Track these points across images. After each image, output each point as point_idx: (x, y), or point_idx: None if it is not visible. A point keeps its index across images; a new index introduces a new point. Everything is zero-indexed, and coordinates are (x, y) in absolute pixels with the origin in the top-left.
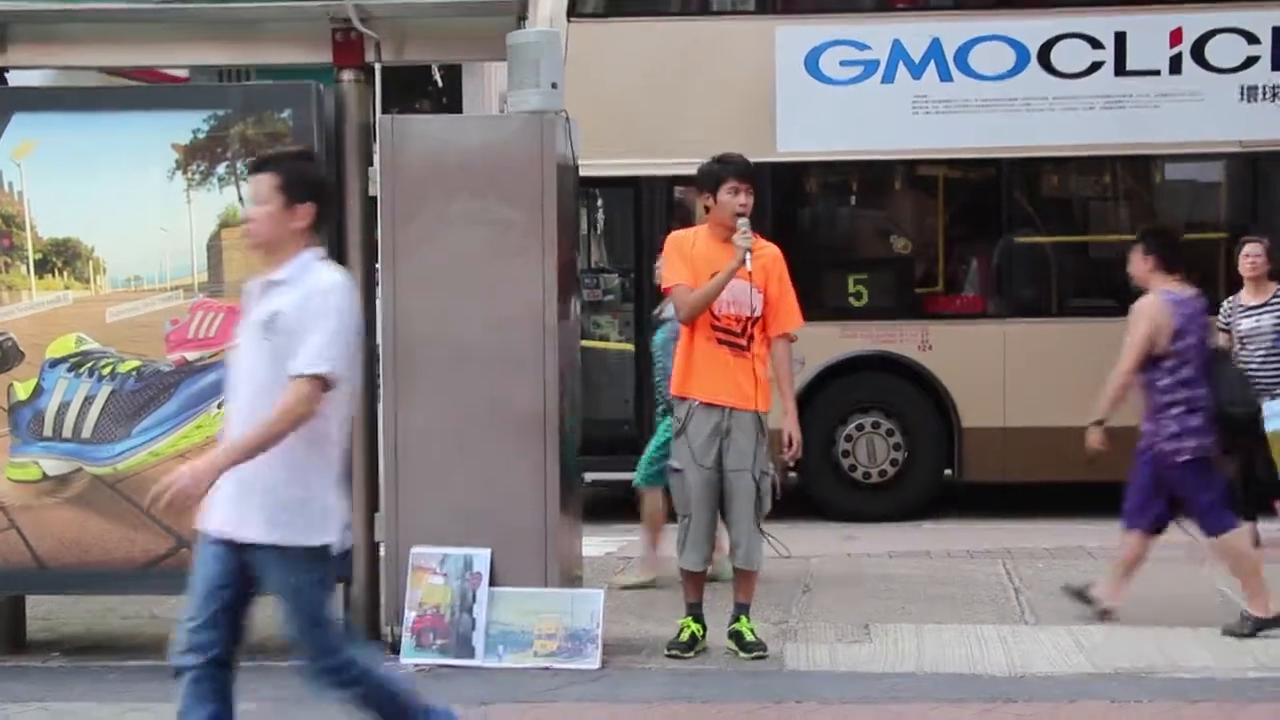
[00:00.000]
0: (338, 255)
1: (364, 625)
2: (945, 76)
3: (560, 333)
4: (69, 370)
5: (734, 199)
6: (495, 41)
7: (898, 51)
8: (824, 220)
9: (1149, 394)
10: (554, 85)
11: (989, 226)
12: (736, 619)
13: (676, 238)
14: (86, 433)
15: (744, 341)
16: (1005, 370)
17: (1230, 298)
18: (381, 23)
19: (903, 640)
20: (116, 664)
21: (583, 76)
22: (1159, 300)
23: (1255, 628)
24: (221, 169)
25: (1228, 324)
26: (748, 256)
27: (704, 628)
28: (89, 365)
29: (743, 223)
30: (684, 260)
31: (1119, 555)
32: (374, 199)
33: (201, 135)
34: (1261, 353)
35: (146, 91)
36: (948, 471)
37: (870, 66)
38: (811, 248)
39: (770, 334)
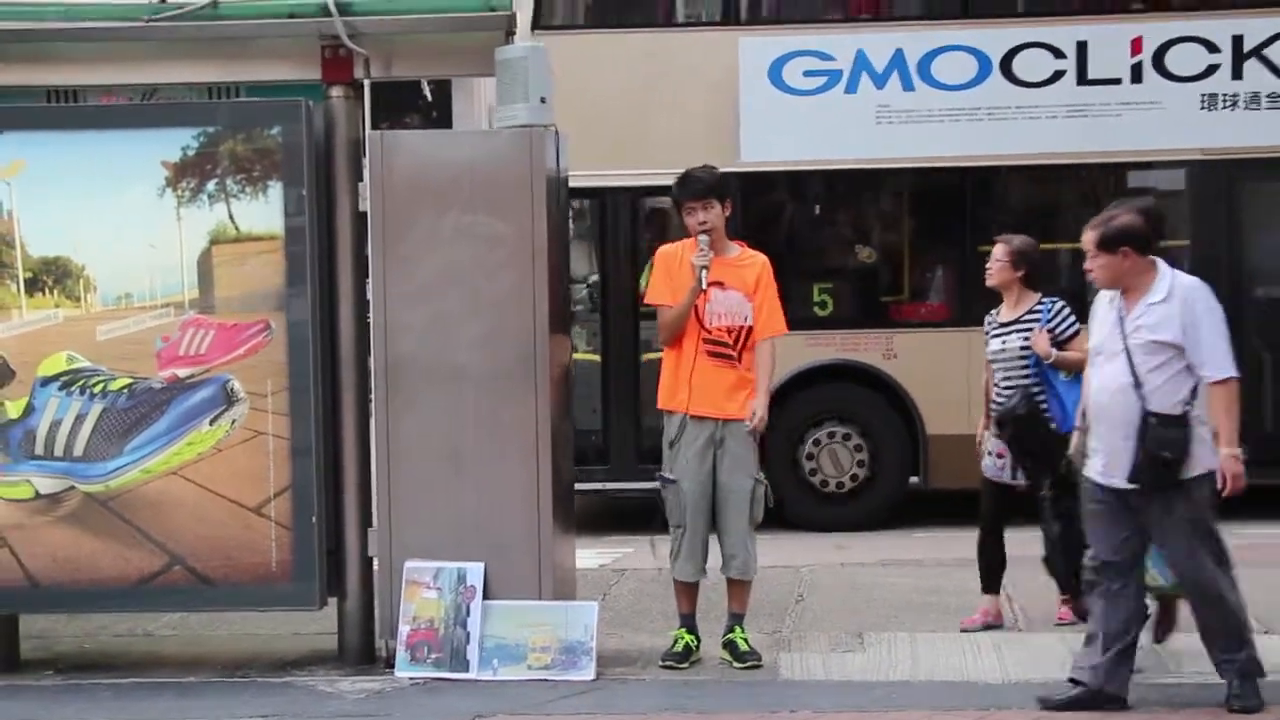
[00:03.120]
0: (329, 271)
1: (358, 639)
2: (908, 86)
3: (552, 345)
4: (60, 389)
5: (692, 220)
6: (484, 56)
7: (861, 62)
8: (788, 230)
9: None
10: (543, 100)
11: (953, 235)
12: (731, 629)
13: (664, 253)
14: (78, 451)
15: (735, 352)
16: (970, 378)
17: (993, 311)
18: (370, 39)
19: (896, 648)
20: (110, 681)
21: None
22: None
23: None
24: (211, 186)
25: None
26: (703, 275)
27: (697, 638)
28: (80, 383)
29: (703, 240)
30: (668, 277)
31: None
32: (364, 215)
33: (191, 152)
34: (1007, 382)
35: (136, 109)
36: (914, 480)
37: (834, 77)
38: (776, 257)
39: (755, 339)
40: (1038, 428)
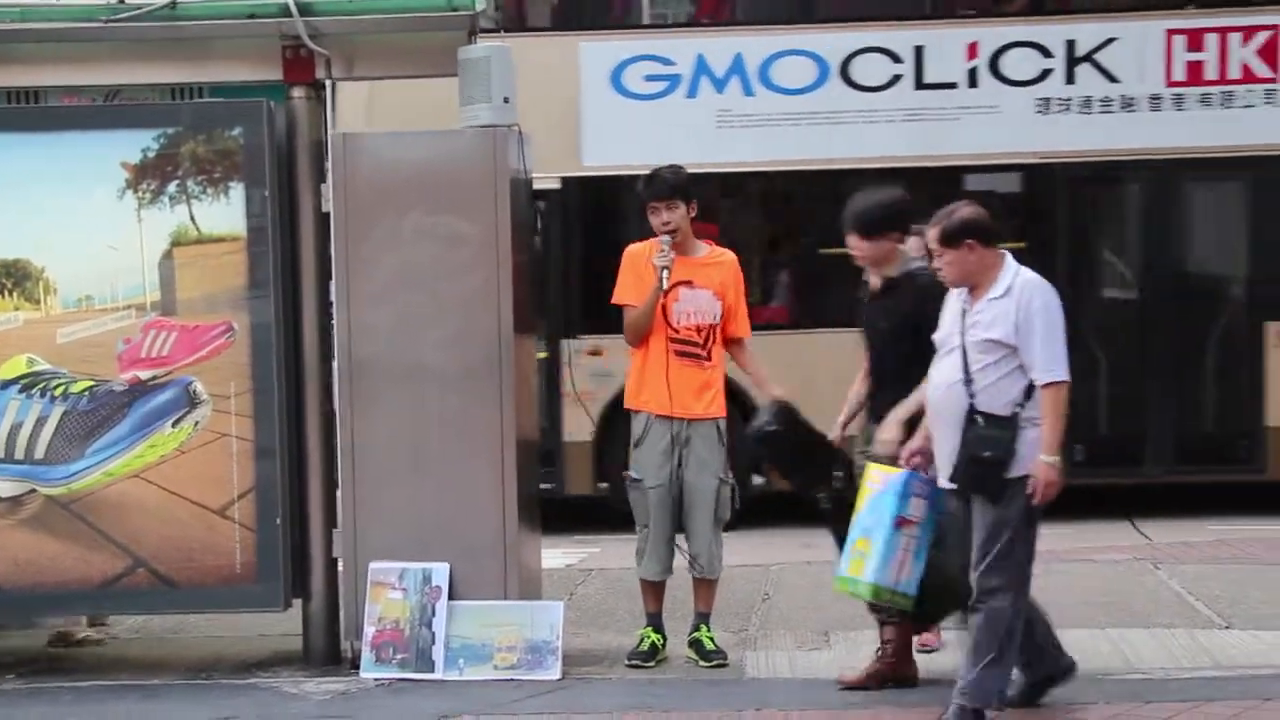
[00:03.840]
0: (292, 272)
1: (323, 641)
2: (748, 91)
3: (517, 346)
4: (20, 391)
5: (656, 219)
6: (447, 57)
7: (701, 66)
8: (629, 233)
9: None
10: (506, 100)
11: (794, 239)
12: (696, 628)
13: (631, 252)
14: (39, 454)
15: (704, 351)
16: (813, 380)
17: None
18: (332, 40)
19: (862, 646)
20: (72, 685)
21: (394, 93)
22: None
23: None
24: (172, 187)
25: None
26: (664, 276)
27: (664, 637)
28: (41, 386)
29: (665, 240)
30: (635, 276)
31: None
32: (327, 215)
33: (152, 153)
34: None
35: (96, 110)
36: (759, 481)
37: (674, 81)
38: (617, 261)
39: (728, 337)
40: (799, 440)
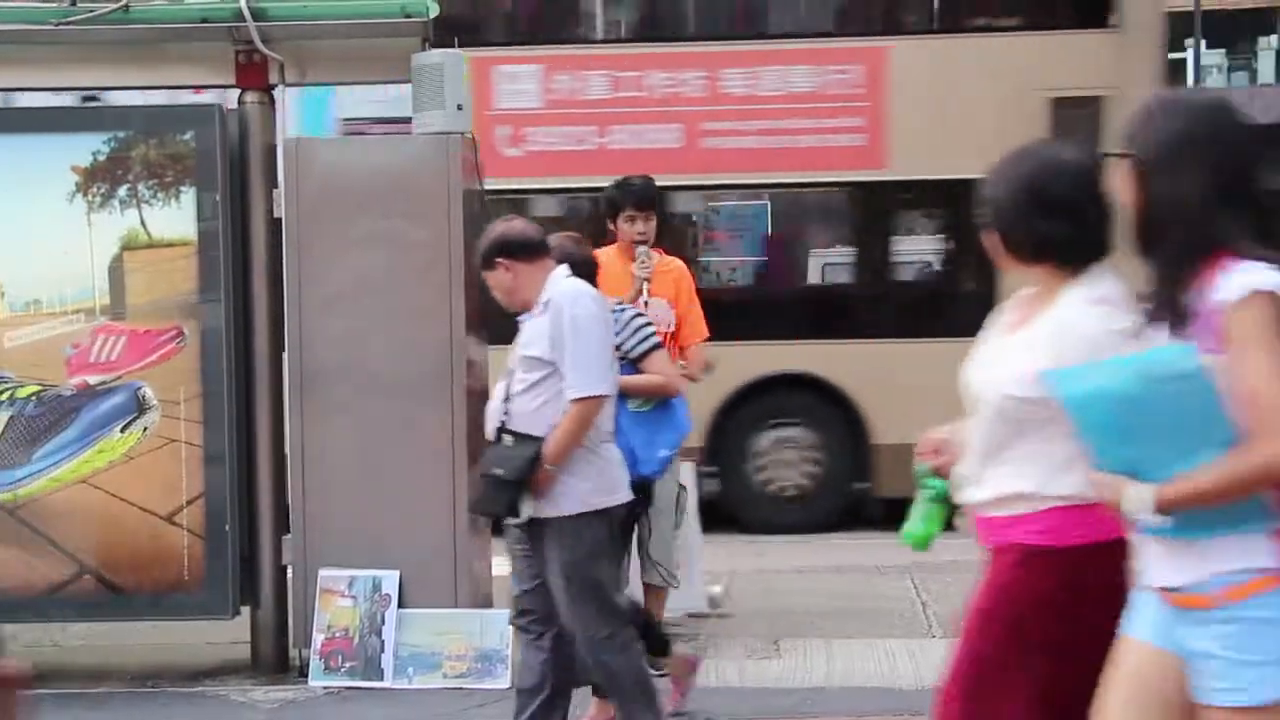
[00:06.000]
0: (242, 278)
1: (272, 649)
2: None
3: (469, 353)
4: None
5: (631, 228)
6: (399, 63)
7: None
8: None
9: None
10: (459, 107)
11: None
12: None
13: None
14: None
15: None
16: None
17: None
18: (285, 44)
19: (812, 655)
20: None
21: None
22: None
23: None
24: (123, 191)
25: None
26: (645, 287)
27: None
28: None
29: (641, 251)
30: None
31: None
32: (279, 221)
33: (102, 157)
34: None
35: (46, 113)
36: None
37: None
38: None
39: (682, 344)
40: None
